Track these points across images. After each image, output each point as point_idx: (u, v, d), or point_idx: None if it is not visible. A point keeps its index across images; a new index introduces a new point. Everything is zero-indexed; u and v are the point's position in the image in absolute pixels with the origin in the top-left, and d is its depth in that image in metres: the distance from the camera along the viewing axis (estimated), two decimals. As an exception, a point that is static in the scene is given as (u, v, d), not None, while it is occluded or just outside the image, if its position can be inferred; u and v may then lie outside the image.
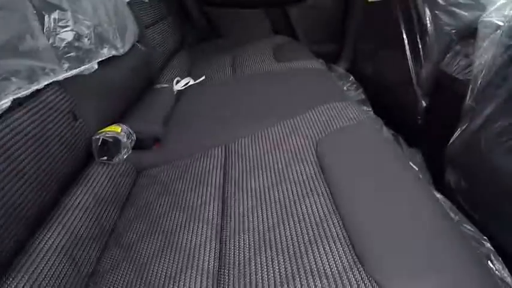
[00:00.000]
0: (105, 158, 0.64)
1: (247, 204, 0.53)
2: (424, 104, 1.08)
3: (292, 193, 0.52)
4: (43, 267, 0.44)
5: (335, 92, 0.85)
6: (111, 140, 0.64)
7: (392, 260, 0.39)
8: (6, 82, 0.42)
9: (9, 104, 0.41)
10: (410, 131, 1.07)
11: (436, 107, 1.00)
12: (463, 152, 0.78)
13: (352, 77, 1.27)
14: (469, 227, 0.67)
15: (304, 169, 0.56)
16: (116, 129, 0.66)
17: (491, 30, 0.76)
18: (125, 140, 0.66)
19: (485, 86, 0.72)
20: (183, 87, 1.05)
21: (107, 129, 0.65)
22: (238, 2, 1.68)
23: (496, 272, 0.56)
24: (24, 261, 0.44)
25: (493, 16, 0.77)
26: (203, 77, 1.09)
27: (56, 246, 0.47)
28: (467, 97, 0.77)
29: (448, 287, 0.36)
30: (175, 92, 1.01)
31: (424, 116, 1.07)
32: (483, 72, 0.74)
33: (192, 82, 1.10)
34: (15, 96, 0.43)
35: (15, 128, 0.47)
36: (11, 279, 0.41)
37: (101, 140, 0.63)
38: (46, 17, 0.54)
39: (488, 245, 0.60)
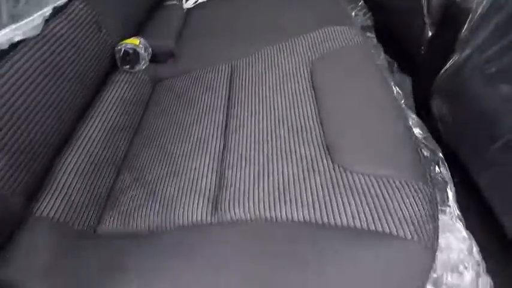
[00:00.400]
0: (128, 66, 0.73)
1: (249, 108, 0.64)
2: (430, 33, 1.09)
3: (286, 102, 0.63)
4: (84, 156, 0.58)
5: (340, 15, 0.88)
6: (131, 51, 0.72)
7: (357, 151, 0.51)
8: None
9: (50, 11, 0.49)
10: (410, 60, 1.11)
11: (439, 37, 1.02)
12: (449, 80, 0.84)
13: (362, 1, 1.26)
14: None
15: (298, 84, 0.66)
16: (135, 42, 0.74)
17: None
18: (143, 52, 0.75)
19: (481, 16, 0.75)
20: (192, 5, 1.08)
21: (127, 41, 0.73)
22: None
23: (440, 174, 0.69)
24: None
25: None
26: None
27: (96, 128, 0.61)
28: (464, 28, 0.80)
29: (401, 175, 0.47)
30: (185, 10, 1.05)
31: (427, 46, 1.10)
32: (483, 2, 0.76)
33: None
34: (55, 5, 0.50)
35: (51, 37, 0.56)
36: (45, 193, 0.53)
37: (122, 50, 0.71)
38: None
39: (440, 154, 0.72)
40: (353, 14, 1.19)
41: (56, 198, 0.52)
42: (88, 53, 0.64)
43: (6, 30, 0.40)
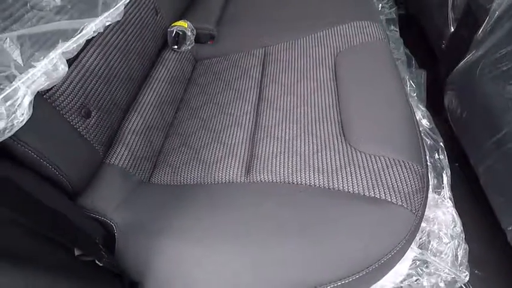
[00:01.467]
0: (176, 46, 0.85)
1: (278, 91, 0.75)
2: (452, 29, 1.14)
3: (310, 88, 0.73)
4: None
5: (368, 9, 0.95)
6: (180, 33, 0.84)
7: (365, 134, 0.62)
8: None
9: (128, 0, 0.61)
10: (429, 54, 1.17)
11: (459, 34, 1.08)
12: (462, 77, 0.92)
13: (391, -5, 1.30)
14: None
15: (323, 73, 0.76)
16: (184, 25, 0.85)
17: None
18: (190, 33, 0.86)
19: (497, 18, 0.81)
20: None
21: (177, 23, 0.85)
22: None
23: (438, 161, 0.79)
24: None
25: None
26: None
27: (150, 98, 0.75)
28: (481, 28, 0.86)
29: (399, 156, 0.58)
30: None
31: (448, 41, 1.15)
32: (503, 3, 0.82)
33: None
34: (129, -5, 0.62)
35: (124, 21, 0.68)
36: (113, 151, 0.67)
37: (174, 32, 0.83)
38: None
39: (441, 143, 0.82)
40: (379, 6, 1.24)
41: (123, 151, 0.67)
42: (147, 33, 0.77)
43: (102, 17, 0.52)
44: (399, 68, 0.90)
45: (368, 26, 0.84)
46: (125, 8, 0.58)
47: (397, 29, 1.21)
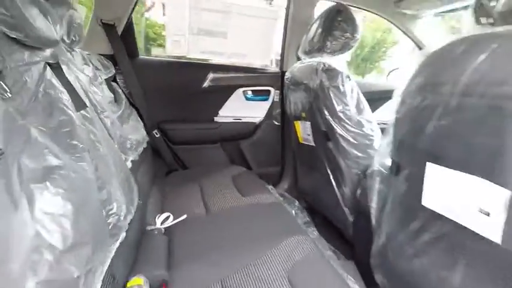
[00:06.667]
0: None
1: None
2: (351, 219, 1.46)
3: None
4: None
5: (293, 225, 1.19)
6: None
7: None
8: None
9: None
10: (345, 243, 1.43)
11: (359, 224, 1.39)
12: (380, 260, 1.13)
13: (297, 202, 1.67)
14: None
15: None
16: (139, 282, 0.86)
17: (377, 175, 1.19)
18: (145, 288, 0.86)
19: (379, 212, 1.12)
20: (169, 225, 1.28)
21: (133, 283, 0.85)
22: (200, 140, 2.09)
23: None
24: None
25: (376, 165, 1.23)
26: (184, 216, 1.34)
27: None
28: (373, 219, 1.16)
29: None
30: (163, 231, 1.24)
31: (352, 230, 1.44)
32: (377, 203, 1.15)
33: (171, 218, 1.32)
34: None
35: None
36: None
37: (131, 293, 0.82)
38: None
39: None
40: (293, 212, 1.55)
41: None
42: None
43: None
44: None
45: (302, 241, 1.03)
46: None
47: (315, 229, 1.48)
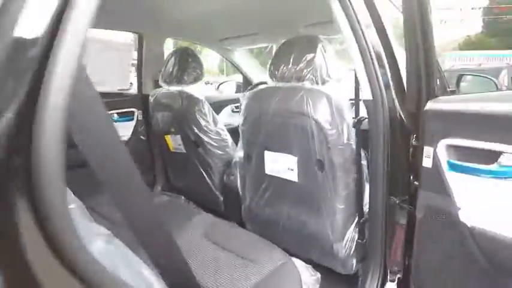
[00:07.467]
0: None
1: None
2: (221, 199, 2.09)
3: None
4: None
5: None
6: None
7: None
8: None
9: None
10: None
11: (229, 198, 2.02)
12: (247, 215, 1.80)
13: (183, 197, 2.15)
14: None
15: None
16: None
17: (238, 164, 1.87)
18: None
19: (243, 186, 1.80)
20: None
21: None
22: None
23: None
24: None
25: (236, 158, 1.90)
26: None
27: None
28: (240, 191, 1.83)
29: None
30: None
31: (223, 204, 2.07)
32: (240, 181, 1.83)
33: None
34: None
35: None
36: None
37: None
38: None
39: None
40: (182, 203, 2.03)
41: None
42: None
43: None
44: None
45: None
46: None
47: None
